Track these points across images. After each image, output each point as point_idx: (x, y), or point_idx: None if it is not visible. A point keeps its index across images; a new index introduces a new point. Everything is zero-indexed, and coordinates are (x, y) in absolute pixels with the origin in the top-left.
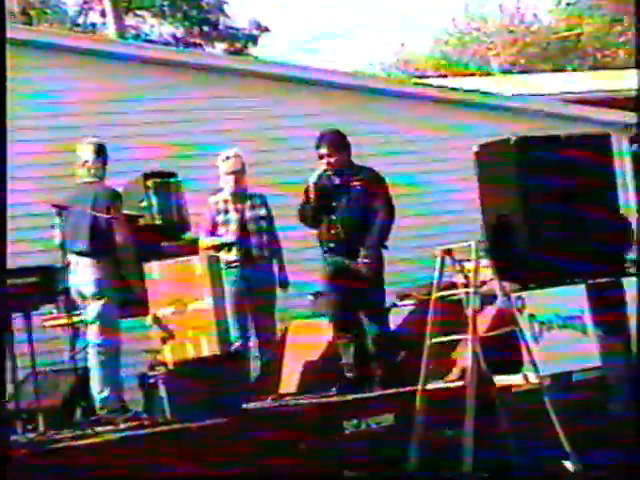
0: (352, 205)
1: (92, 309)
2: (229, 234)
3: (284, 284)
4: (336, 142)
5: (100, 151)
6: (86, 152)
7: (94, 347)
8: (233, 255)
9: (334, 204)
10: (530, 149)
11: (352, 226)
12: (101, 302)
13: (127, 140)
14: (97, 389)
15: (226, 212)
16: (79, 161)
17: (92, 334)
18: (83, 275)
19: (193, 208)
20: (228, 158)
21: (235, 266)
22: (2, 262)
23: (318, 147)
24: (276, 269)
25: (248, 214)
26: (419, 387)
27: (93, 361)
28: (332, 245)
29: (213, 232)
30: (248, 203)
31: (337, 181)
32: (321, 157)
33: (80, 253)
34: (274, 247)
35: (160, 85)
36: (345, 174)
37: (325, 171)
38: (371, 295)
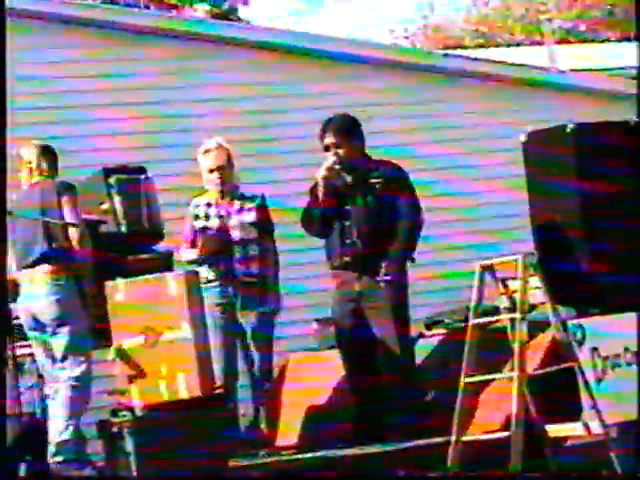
0: (371, 208)
1: (59, 341)
2: (204, 245)
3: (276, 308)
4: (346, 129)
5: (46, 151)
6: (29, 154)
7: (69, 380)
8: (212, 272)
9: (348, 207)
10: (592, 138)
11: (373, 235)
12: (67, 328)
13: (79, 127)
14: (57, 431)
15: (206, 218)
16: (22, 162)
17: (66, 370)
18: (39, 296)
19: (169, 212)
20: (208, 151)
21: (215, 286)
22: (2, 262)
23: (323, 135)
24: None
25: (232, 221)
26: (452, 438)
27: (60, 399)
28: (347, 259)
29: (194, 243)
30: (235, 206)
31: (349, 179)
32: (327, 148)
33: (36, 263)
34: (266, 262)
35: (124, 58)
36: (360, 170)
37: (333, 165)
38: (393, 322)
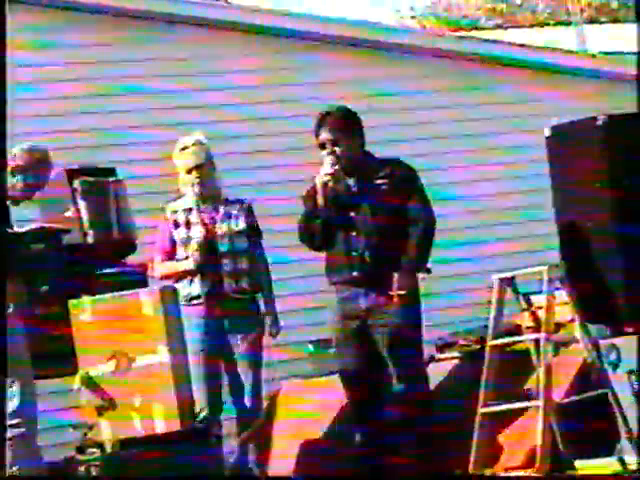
0: (380, 214)
1: None
2: (191, 257)
3: (274, 329)
4: (345, 123)
5: None
6: None
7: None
8: (196, 287)
9: (352, 214)
10: (626, 133)
11: (382, 245)
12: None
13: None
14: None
15: (188, 226)
16: None
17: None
18: None
19: (143, 219)
20: (186, 149)
21: (199, 303)
22: (2, 260)
23: (318, 131)
24: (262, 307)
25: (220, 229)
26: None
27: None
28: (355, 274)
29: (171, 254)
30: (221, 212)
31: (352, 182)
32: (322, 146)
33: None
34: (258, 276)
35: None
36: (362, 170)
37: (333, 168)
38: (404, 344)
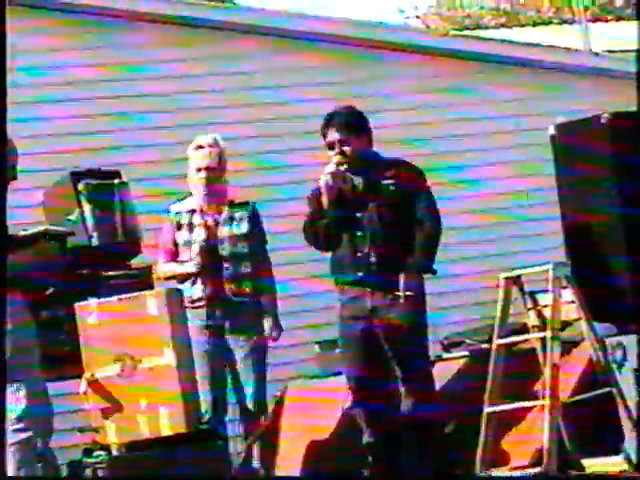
0: (386, 214)
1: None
2: (190, 260)
3: (274, 332)
4: (353, 123)
5: None
6: None
7: (15, 422)
8: (198, 290)
9: (358, 214)
10: (631, 130)
11: (388, 245)
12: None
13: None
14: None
15: (190, 228)
16: None
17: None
18: None
19: (148, 221)
20: (201, 147)
21: (201, 306)
22: (2, 260)
23: (326, 131)
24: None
25: (221, 232)
26: (476, 475)
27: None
28: (360, 274)
29: (174, 255)
30: (224, 215)
31: (359, 181)
32: (331, 146)
33: None
34: (261, 279)
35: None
36: (370, 169)
37: (338, 165)
38: (410, 345)
